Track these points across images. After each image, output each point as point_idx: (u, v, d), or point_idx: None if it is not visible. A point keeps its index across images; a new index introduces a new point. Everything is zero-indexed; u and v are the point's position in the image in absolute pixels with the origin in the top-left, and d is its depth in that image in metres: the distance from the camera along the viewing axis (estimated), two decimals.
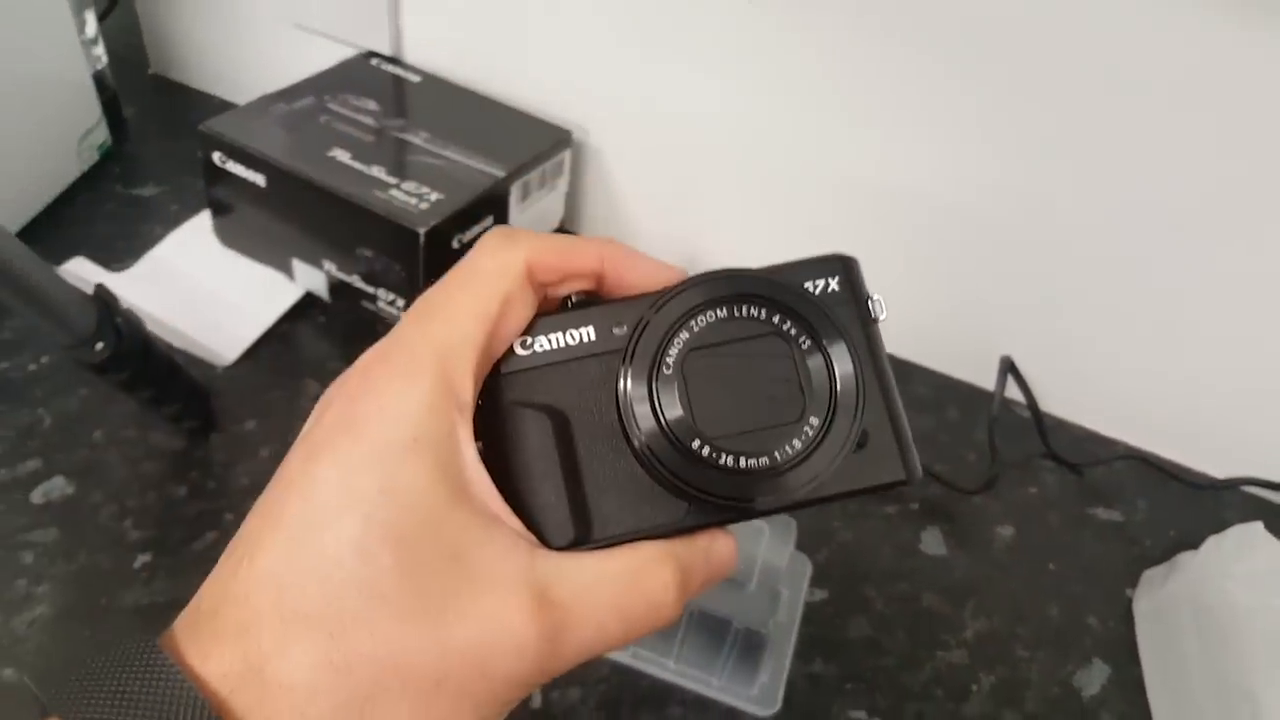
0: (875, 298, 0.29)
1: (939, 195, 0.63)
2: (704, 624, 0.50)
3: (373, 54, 0.74)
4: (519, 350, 0.28)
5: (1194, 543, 0.57)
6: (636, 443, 0.26)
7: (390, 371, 0.26)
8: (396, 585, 0.24)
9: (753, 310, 0.27)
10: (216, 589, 0.25)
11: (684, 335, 0.27)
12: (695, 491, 0.26)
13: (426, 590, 0.24)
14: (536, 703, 0.50)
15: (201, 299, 0.65)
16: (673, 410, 0.26)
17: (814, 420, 0.27)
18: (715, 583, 0.29)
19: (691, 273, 0.28)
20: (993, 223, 0.63)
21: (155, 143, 0.79)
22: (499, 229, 0.29)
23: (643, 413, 0.26)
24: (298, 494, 0.25)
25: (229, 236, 0.68)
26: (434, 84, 0.72)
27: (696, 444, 0.26)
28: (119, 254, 0.68)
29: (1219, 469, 0.66)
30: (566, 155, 0.71)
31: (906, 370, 0.70)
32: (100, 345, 0.49)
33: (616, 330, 0.28)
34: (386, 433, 0.25)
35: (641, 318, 0.27)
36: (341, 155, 0.62)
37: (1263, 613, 0.52)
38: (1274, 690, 0.49)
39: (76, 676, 0.23)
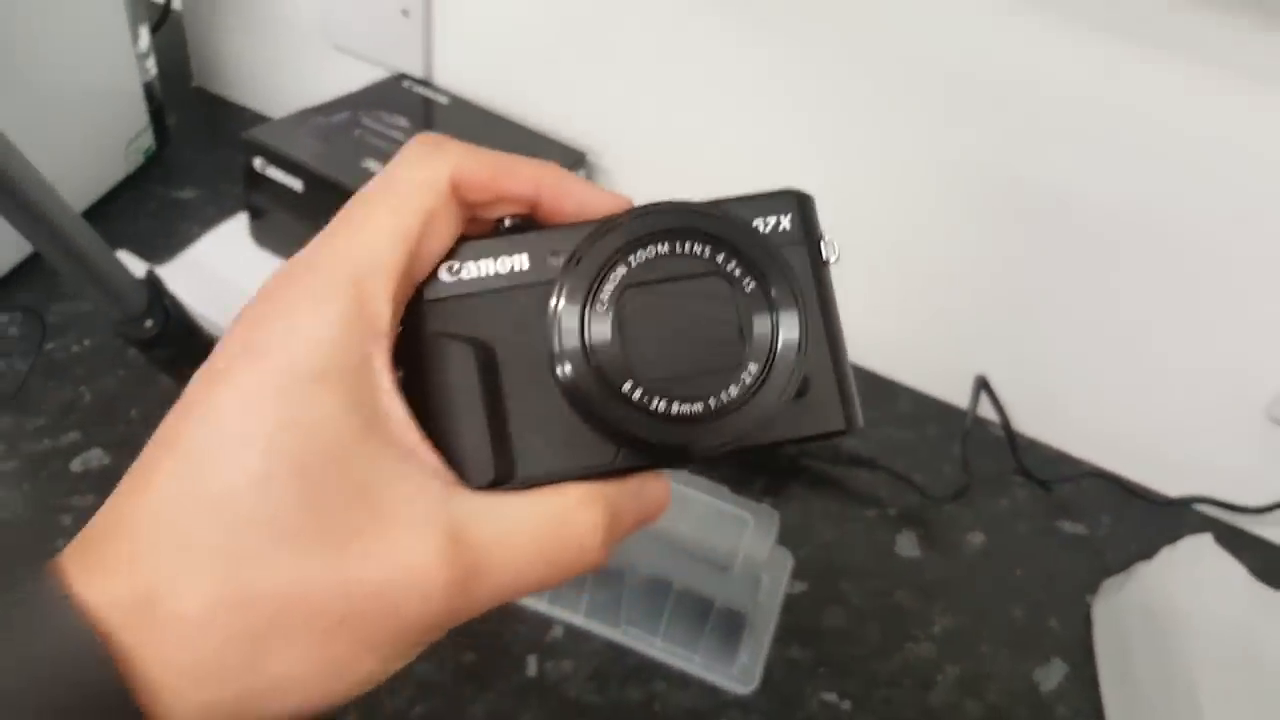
0: (828, 239, 0.28)
1: (930, 230, 0.68)
2: (688, 604, 0.54)
3: (405, 76, 0.79)
4: (444, 276, 0.26)
5: (1152, 556, 0.61)
6: (565, 382, 0.25)
7: (297, 294, 0.24)
8: (298, 520, 0.22)
9: (697, 247, 0.26)
10: (110, 515, 0.23)
11: (621, 270, 0.25)
12: (625, 434, 0.25)
13: (331, 526, 0.22)
14: (531, 671, 0.54)
15: (234, 294, 0.69)
16: (605, 349, 0.25)
17: (752, 368, 0.25)
18: (646, 524, 0.27)
19: (638, 204, 0.27)
20: (974, 255, 0.68)
21: (195, 150, 0.84)
22: (423, 135, 0.26)
23: (572, 350, 0.25)
24: (197, 421, 0.23)
25: (264, 237, 0.73)
26: (460, 106, 0.78)
27: (628, 386, 0.25)
28: (158, 250, 0.73)
29: (1178, 488, 0.70)
30: (581, 175, 0.76)
31: (889, 388, 0.75)
32: (150, 323, 0.53)
33: (552, 260, 0.26)
34: (293, 360, 0.23)
35: (578, 247, 0.25)
36: (373, 165, 0.67)
37: (1205, 616, 0.56)
38: (1215, 688, 0.53)
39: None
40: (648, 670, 0.55)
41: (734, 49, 0.67)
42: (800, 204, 0.28)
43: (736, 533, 0.57)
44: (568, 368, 0.25)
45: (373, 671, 0.23)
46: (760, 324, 0.26)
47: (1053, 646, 0.61)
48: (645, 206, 0.26)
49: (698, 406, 0.25)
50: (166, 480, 0.23)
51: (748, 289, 0.26)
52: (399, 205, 0.25)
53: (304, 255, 0.25)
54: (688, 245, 0.26)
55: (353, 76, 0.79)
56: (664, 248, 0.26)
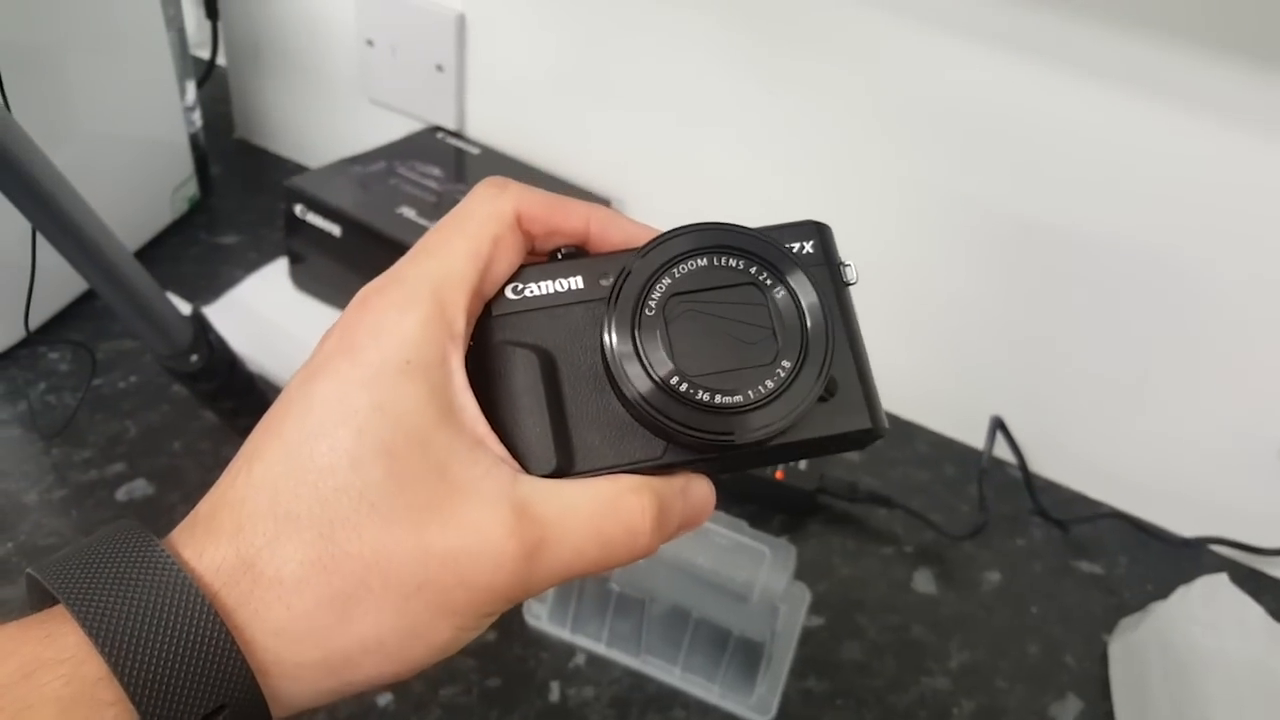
0: (848, 263, 0.31)
1: (947, 274, 0.70)
2: (707, 634, 0.56)
3: (438, 128, 0.83)
4: (509, 294, 0.29)
5: (1168, 595, 0.62)
6: (619, 380, 0.28)
7: (386, 301, 0.27)
8: (384, 494, 0.25)
9: (731, 260, 0.29)
10: (215, 497, 0.26)
11: (666, 281, 0.29)
12: (672, 426, 0.28)
13: (413, 500, 0.25)
14: (554, 696, 0.56)
15: (273, 335, 0.73)
16: (654, 350, 0.28)
17: (785, 364, 0.28)
18: (692, 526, 0.30)
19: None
20: (990, 298, 0.70)
21: (237, 198, 0.88)
22: (491, 178, 0.30)
23: (625, 352, 0.28)
24: (296, 410, 0.26)
25: (303, 281, 0.76)
26: (491, 156, 0.81)
27: (675, 380, 0.28)
28: (201, 292, 0.76)
29: (1194, 529, 0.71)
30: None
31: (907, 429, 0.76)
32: (195, 357, 0.56)
33: (603, 281, 0.29)
34: (382, 355, 0.26)
35: (626, 264, 0.29)
36: (408, 212, 0.70)
37: (1222, 655, 0.57)
38: None
39: (78, 564, 0.24)
40: (667, 698, 0.57)
41: (752, 98, 0.70)
42: (820, 231, 0.31)
43: (754, 565, 0.58)
44: (622, 368, 0.28)
45: (447, 639, 0.26)
46: (791, 326, 0.29)
47: (1068, 683, 0.62)
48: (683, 227, 0.29)
49: (738, 398, 0.28)
50: (268, 462, 0.25)
51: (778, 296, 0.29)
52: (472, 232, 0.29)
53: (391, 272, 0.28)
54: (724, 259, 0.29)
55: (388, 128, 0.83)
56: (703, 261, 0.29)
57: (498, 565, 0.25)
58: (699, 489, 0.30)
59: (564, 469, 0.28)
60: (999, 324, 0.71)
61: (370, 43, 0.81)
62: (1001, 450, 0.74)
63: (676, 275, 0.29)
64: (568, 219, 0.30)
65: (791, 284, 0.29)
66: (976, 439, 0.75)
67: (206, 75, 0.91)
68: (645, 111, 0.75)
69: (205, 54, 0.91)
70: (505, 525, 0.26)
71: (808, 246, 0.31)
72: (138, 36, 0.74)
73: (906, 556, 0.67)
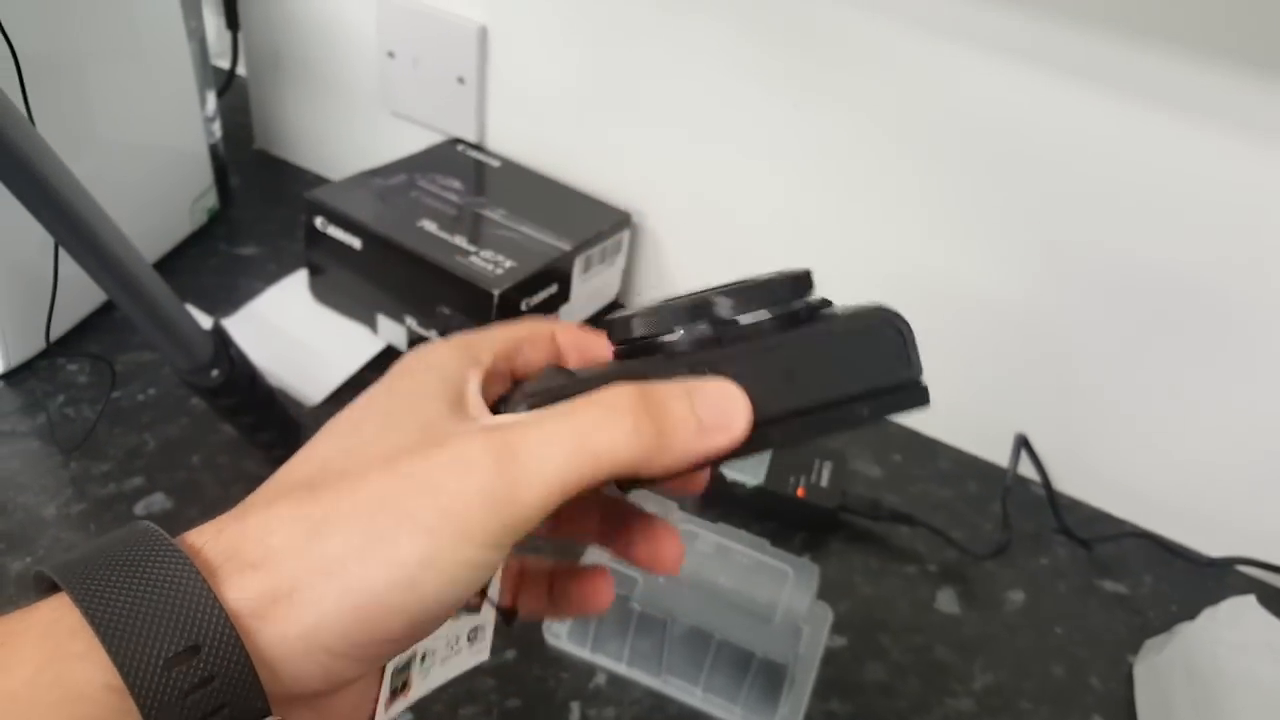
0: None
1: (971, 290, 0.69)
2: (730, 655, 0.55)
3: (459, 141, 0.83)
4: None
5: (1194, 616, 0.61)
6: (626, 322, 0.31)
7: (432, 346, 0.32)
8: (368, 442, 0.27)
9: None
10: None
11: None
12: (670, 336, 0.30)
13: (396, 445, 0.27)
14: (575, 718, 0.55)
15: (293, 347, 0.73)
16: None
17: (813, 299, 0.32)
18: (718, 430, 0.28)
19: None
20: (1014, 315, 0.69)
21: (257, 209, 0.87)
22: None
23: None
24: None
25: (322, 293, 0.76)
26: (512, 169, 0.81)
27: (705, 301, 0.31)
28: (221, 304, 0.76)
29: (1220, 549, 0.70)
30: (625, 235, 0.79)
31: (930, 446, 0.76)
32: (216, 372, 0.56)
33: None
34: (407, 363, 0.31)
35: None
36: (428, 225, 0.70)
37: (1250, 678, 0.56)
38: None
39: (82, 558, 0.25)
40: (688, 718, 0.56)
41: (776, 113, 0.69)
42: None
43: (777, 585, 0.58)
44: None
45: (457, 563, 0.25)
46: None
47: (1094, 704, 0.61)
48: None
49: (764, 313, 0.30)
50: (290, 463, 0.29)
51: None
52: (502, 331, 0.34)
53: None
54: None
55: (408, 141, 0.83)
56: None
57: (467, 470, 0.25)
58: (712, 386, 0.28)
59: None
60: (1023, 339, 0.70)
61: (391, 54, 0.81)
62: (1024, 467, 0.73)
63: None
64: (534, 355, 0.34)
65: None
66: (999, 455, 0.74)
67: (227, 85, 0.91)
68: (667, 126, 0.74)
69: (225, 64, 0.91)
70: (476, 443, 0.26)
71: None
72: (159, 47, 0.74)
73: (929, 575, 0.66)
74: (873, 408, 0.30)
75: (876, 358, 0.30)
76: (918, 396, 0.31)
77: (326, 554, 0.25)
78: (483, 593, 0.35)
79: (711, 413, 0.28)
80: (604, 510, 0.35)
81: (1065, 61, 0.59)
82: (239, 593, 0.24)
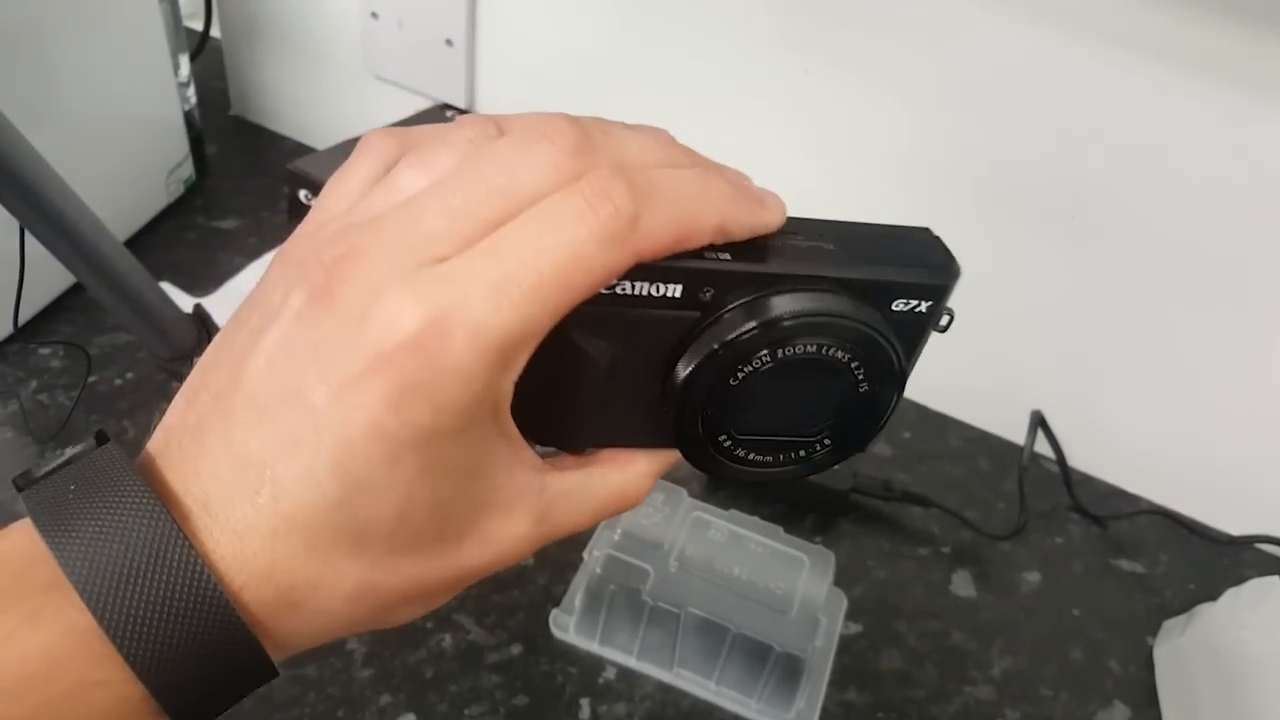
0: (950, 311, 0.30)
1: (979, 264, 0.67)
2: (745, 648, 0.53)
3: (448, 106, 0.79)
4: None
5: (1213, 595, 0.59)
6: (676, 411, 0.29)
7: None
8: (428, 531, 0.26)
9: (838, 354, 0.28)
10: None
11: (764, 356, 0.28)
12: (702, 465, 0.30)
13: (452, 529, 0.26)
14: (585, 714, 0.53)
15: None
16: (717, 403, 0.28)
17: (826, 442, 0.30)
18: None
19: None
20: (1028, 290, 0.67)
21: (235, 179, 0.84)
22: (612, 213, 0.25)
23: (691, 392, 0.28)
24: None
25: None
26: None
27: (723, 438, 0.30)
28: (201, 281, 0.72)
29: (1238, 527, 0.68)
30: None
31: (939, 421, 0.74)
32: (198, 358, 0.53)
33: (703, 295, 0.27)
34: None
35: (730, 314, 0.27)
36: None
37: (1276, 661, 0.55)
38: None
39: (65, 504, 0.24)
40: (702, 713, 0.54)
41: (785, 76, 0.66)
42: (941, 294, 0.30)
43: (793, 574, 0.56)
44: (684, 406, 0.28)
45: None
46: (853, 408, 0.30)
47: (1114, 689, 0.59)
48: (798, 297, 0.27)
49: (769, 458, 0.31)
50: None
51: (859, 378, 0.29)
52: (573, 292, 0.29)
53: None
54: (830, 350, 0.28)
55: (394, 106, 0.79)
56: (810, 348, 0.28)
57: (514, 560, 0.28)
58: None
59: (586, 447, 0.31)
60: (1036, 310, 0.68)
61: (375, 15, 0.77)
62: (1037, 443, 0.71)
63: (775, 357, 0.28)
64: (693, 243, 0.27)
65: (879, 385, 0.29)
66: (1010, 430, 0.72)
67: (200, 49, 0.87)
68: (668, 92, 0.71)
69: (199, 26, 0.86)
70: (526, 535, 0.28)
71: (921, 307, 0.29)
72: (126, 9, 0.69)
73: (944, 558, 0.65)
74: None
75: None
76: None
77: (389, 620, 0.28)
78: None
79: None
80: None
81: (1092, 27, 0.56)
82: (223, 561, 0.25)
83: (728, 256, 0.27)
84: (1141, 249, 0.62)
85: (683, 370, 0.28)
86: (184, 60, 0.77)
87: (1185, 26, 0.54)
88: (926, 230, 0.31)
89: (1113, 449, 0.71)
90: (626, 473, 0.30)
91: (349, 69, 0.82)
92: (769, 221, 0.28)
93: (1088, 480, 0.72)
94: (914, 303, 0.29)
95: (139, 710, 0.23)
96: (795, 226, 0.29)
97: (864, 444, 0.31)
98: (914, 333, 0.30)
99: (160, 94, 0.75)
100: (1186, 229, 0.60)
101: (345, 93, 0.84)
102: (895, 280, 0.28)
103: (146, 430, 0.62)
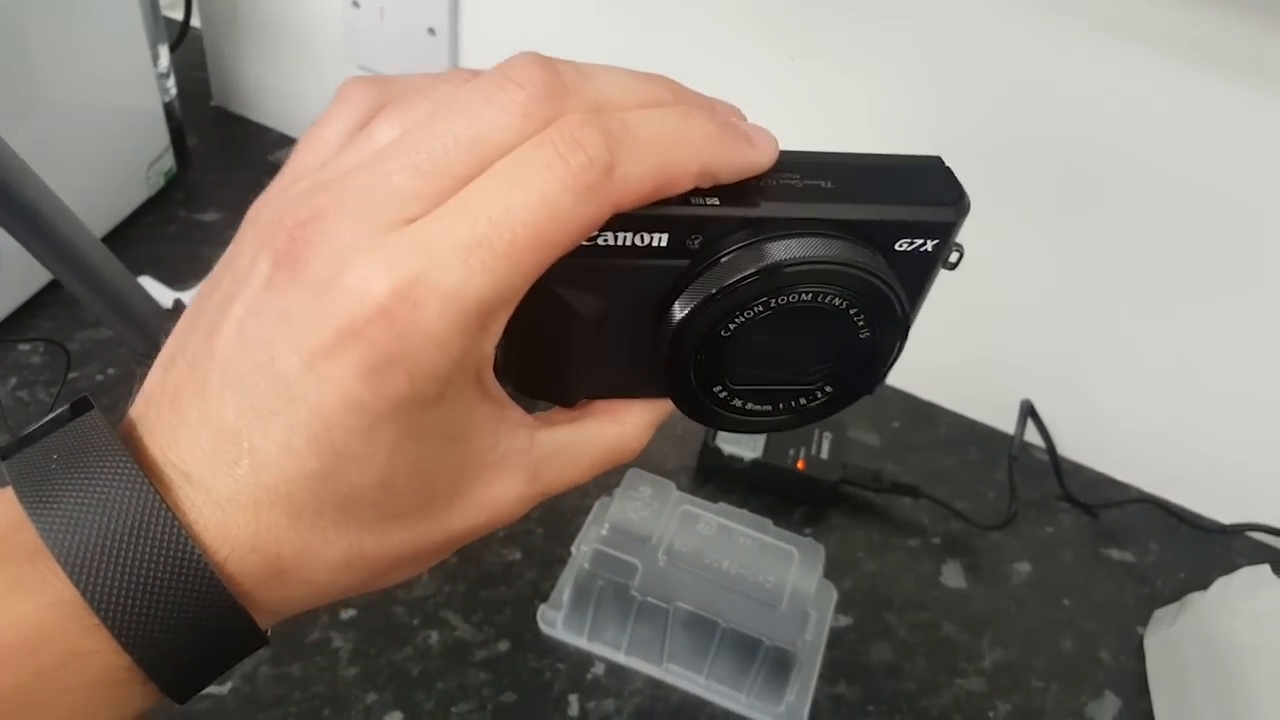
0: (959, 247, 0.29)
1: (969, 253, 0.66)
2: (735, 642, 0.53)
3: None
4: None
5: (1203, 584, 0.59)
6: (668, 361, 0.28)
7: None
8: (415, 501, 0.26)
9: (836, 300, 0.27)
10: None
11: (758, 308, 0.26)
12: (699, 415, 0.30)
13: (440, 496, 0.26)
14: (574, 711, 0.53)
15: None
16: (712, 352, 0.27)
17: (826, 389, 0.29)
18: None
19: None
20: (1018, 279, 0.66)
21: (217, 171, 0.83)
22: (587, 157, 0.23)
23: (684, 341, 0.27)
24: None
25: None
26: None
27: (719, 388, 0.29)
28: (182, 274, 0.71)
29: (1228, 515, 0.68)
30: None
31: (929, 411, 0.73)
32: None
33: (690, 243, 0.26)
34: None
35: (721, 262, 0.26)
36: None
37: (1268, 651, 0.54)
38: None
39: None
40: (692, 709, 0.54)
41: (772, 65, 0.65)
42: (949, 231, 0.28)
43: (782, 567, 0.55)
44: (676, 356, 0.27)
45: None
46: (856, 351, 0.29)
47: (1105, 680, 0.59)
48: (796, 242, 0.26)
49: (766, 406, 0.30)
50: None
51: (859, 324, 0.28)
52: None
53: None
54: (827, 299, 0.27)
55: None
56: (806, 295, 0.26)
57: (506, 521, 0.28)
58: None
59: (573, 401, 0.30)
60: (1025, 298, 0.68)
61: (356, 4, 0.76)
62: (1027, 432, 0.71)
63: (769, 306, 0.26)
64: (676, 188, 0.25)
65: (880, 331, 0.28)
66: (1000, 419, 0.72)
67: (180, 38, 0.86)
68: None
69: (178, 15, 0.85)
70: (518, 495, 0.28)
71: (928, 245, 0.28)
72: None
73: (934, 548, 0.64)
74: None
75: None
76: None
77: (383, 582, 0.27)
78: None
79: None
80: None
81: (1083, 13, 0.55)
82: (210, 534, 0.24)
83: (716, 201, 0.26)
84: (1132, 239, 0.62)
85: (673, 319, 0.27)
86: (164, 50, 0.76)
87: (1179, 15, 0.53)
88: (938, 160, 0.29)
89: (1103, 438, 0.71)
90: (621, 423, 0.30)
91: (331, 58, 0.81)
92: (759, 161, 0.27)
93: (1078, 469, 0.71)
94: (918, 241, 0.27)
95: (130, 679, 0.23)
96: (793, 164, 0.27)
97: (870, 388, 0.30)
98: (920, 272, 0.28)
99: (140, 85, 0.74)
100: (1177, 219, 0.60)
101: (328, 82, 0.82)
102: (897, 219, 0.27)
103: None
